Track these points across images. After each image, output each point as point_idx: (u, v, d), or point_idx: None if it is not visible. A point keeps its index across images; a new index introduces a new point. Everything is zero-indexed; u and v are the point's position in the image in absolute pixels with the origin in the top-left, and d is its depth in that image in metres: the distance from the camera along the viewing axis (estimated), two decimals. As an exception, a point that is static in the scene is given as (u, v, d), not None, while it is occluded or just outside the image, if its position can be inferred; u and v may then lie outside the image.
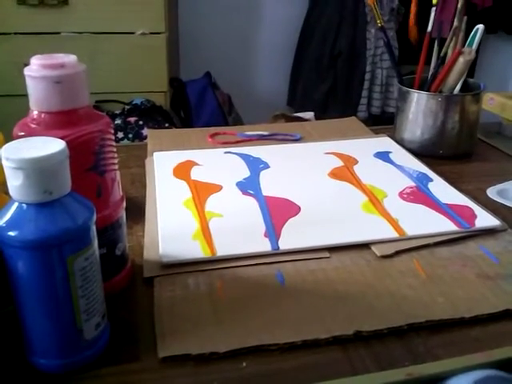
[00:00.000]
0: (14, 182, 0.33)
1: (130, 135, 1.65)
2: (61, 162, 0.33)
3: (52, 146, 0.33)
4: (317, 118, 1.80)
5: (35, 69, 0.38)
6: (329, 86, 2.11)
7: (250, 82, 2.37)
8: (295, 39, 2.22)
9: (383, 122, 2.05)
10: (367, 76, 2.10)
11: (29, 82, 0.38)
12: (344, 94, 2.12)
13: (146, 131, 1.65)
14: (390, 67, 2.11)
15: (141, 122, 1.66)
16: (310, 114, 1.78)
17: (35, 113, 0.39)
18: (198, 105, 1.87)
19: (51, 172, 0.33)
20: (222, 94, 1.97)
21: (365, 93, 2.12)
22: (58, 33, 1.67)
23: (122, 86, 1.74)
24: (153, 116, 1.70)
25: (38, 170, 0.32)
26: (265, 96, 2.35)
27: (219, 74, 2.03)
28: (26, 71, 0.38)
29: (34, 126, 0.39)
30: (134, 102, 1.71)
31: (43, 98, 0.38)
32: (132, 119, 1.66)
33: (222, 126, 1.29)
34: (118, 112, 1.69)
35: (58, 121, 0.39)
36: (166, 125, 1.69)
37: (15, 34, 1.65)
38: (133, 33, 1.72)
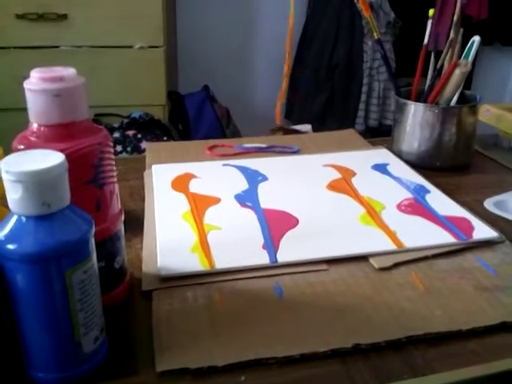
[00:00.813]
0: (13, 195, 0.33)
1: (129, 148, 1.65)
2: (60, 174, 0.33)
3: (51, 158, 0.34)
4: (314, 130, 1.81)
5: (35, 82, 0.38)
6: (326, 99, 2.12)
7: (247, 95, 2.38)
8: (292, 52, 2.23)
9: (381, 134, 2.06)
10: (364, 88, 2.11)
11: (28, 95, 0.39)
12: (341, 107, 2.13)
13: (144, 144, 1.65)
14: (387, 80, 2.12)
15: (139, 136, 1.67)
16: (307, 127, 1.79)
17: (34, 126, 0.39)
18: (196, 118, 1.88)
19: (50, 185, 0.33)
20: (221, 107, 1.97)
21: (362, 105, 2.13)
22: (57, 47, 1.68)
23: (121, 99, 1.75)
24: (151, 129, 1.71)
25: (37, 182, 0.32)
26: (263, 109, 2.36)
27: (217, 87, 2.04)
28: (26, 84, 0.39)
29: (33, 139, 0.39)
30: (132, 116, 1.71)
31: (42, 111, 0.38)
32: (130, 132, 1.67)
33: (222, 139, 1.30)
34: (116, 125, 1.69)
35: (58, 134, 0.39)
36: (165, 138, 1.69)
37: (14, 48, 1.66)
38: (131, 47, 1.73)
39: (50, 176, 0.33)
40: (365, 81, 2.10)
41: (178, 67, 2.24)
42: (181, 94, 1.93)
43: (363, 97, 2.12)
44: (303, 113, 2.17)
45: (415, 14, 2.16)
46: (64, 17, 1.65)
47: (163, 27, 1.73)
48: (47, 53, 1.67)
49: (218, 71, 2.26)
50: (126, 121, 1.70)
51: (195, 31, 2.23)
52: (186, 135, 1.87)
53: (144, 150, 1.68)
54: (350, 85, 2.12)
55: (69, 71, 0.39)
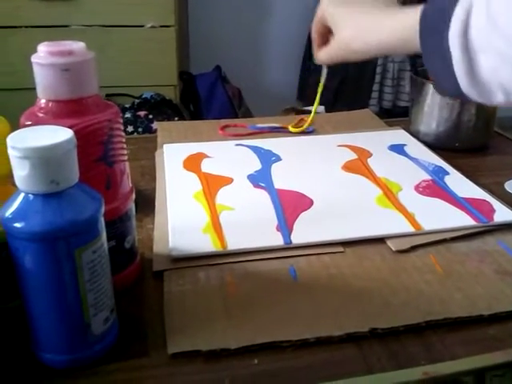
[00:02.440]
0: (20, 172, 0.32)
1: (140, 129, 1.64)
2: (68, 151, 0.32)
3: (59, 134, 0.32)
4: (327, 111, 1.78)
5: (42, 56, 0.37)
6: (339, 80, 2.09)
7: (260, 76, 2.35)
8: (306, 32, 2.20)
9: (395, 115, 2.02)
10: (378, 69, 2.08)
11: (36, 70, 0.37)
12: (355, 88, 2.10)
13: (155, 125, 1.64)
14: (402, 61, 2.08)
15: (151, 116, 1.65)
16: (320, 108, 1.76)
17: (42, 101, 0.38)
18: (207, 98, 1.86)
19: (58, 162, 0.32)
20: (232, 87, 1.95)
21: (376, 86, 2.10)
22: (68, 26, 1.66)
23: (132, 79, 1.73)
24: (162, 110, 1.69)
25: (44, 159, 0.31)
26: (275, 90, 2.33)
27: (229, 67, 2.02)
28: (34, 58, 0.37)
29: (41, 114, 0.38)
30: (143, 96, 1.70)
31: (51, 86, 0.37)
32: (142, 113, 1.65)
33: (233, 119, 1.29)
34: (127, 106, 1.68)
35: (66, 109, 0.38)
36: (176, 118, 1.68)
37: (26, 27, 1.64)
38: (142, 26, 1.71)
39: (58, 152, 0.32)
40: (379, 62, 2.07)
41: (190, 47, 2.22)
42: (192, 75, 1.91)
43: (377, 78, 2.09)
44: (316, 94, 2.14)
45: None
46: (75, -5, 1.63)
47: (174, 6, 1.70)
48: (58, 32, 1.65)
49: (229, 51, 2.23)
50: (137, 101, 1.69)
51: (207, 10, 2.20)
52: (197, 116, 1.86)
53: (155, 131, 1.67)
54: (364, 66, 2.08)
55: (78, 45, 0.38)
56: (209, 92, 1.86)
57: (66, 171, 0.32)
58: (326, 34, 0.58)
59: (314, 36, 0.60)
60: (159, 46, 1.73)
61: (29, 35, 1.64)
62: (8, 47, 1.64)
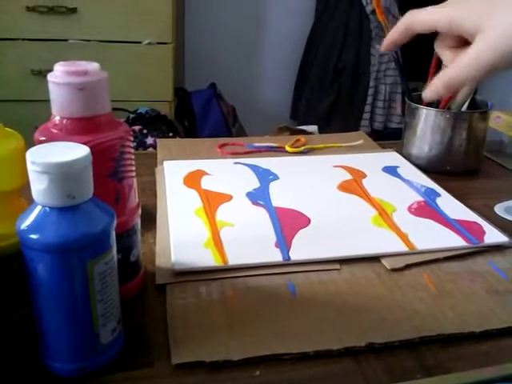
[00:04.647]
0: (39, 186, 0.33)
1: (134, 143, 1.66)
2: (85, 167, 0.34)
3: (76, 151, 0.34)
4: (320, 131, 1.81)
5: (59, 75, 0.39)
6: (332, 100, 2.12)
7: (254, 94, 2.39)
8: (300, 52, 2.24)
9: (385, 136, 2.07)
10: (370, 91, 2.12)
11: (52, 88, 0.39)
12: (347, 109, 2.14)
13: (150, 140, 1.66)
14: (394, 83, 2.13)
15: (145, 131, 1.67)
16: (313, 127, 1.79)
17: (57, 118, 0.40)
18: (202, 115, 1.88)
19: (75, 177, 0.33)
20: (227, 105, 1.98)
21: (368, 108, 2.14)
22: (66, 40, 1.68)
23: (128, 94, 1.75)
24: (157, 125, 1.71)
25: (62, 174, 0.33)
26: (268, 108, 2.36)
27: (224, 85, 2.05)
28: (50, 77, 0.39)
29: (55, 131, 0.39)
30: (138, 111, 1.72)
31: (66, 104, 0.39)
32: (136, 128, 1.67)
33: (227, 137, 1.30)
34: (122, 120, 1.69)
35: (80, 127, 0.39)
36: (170, 134, 1.70)
37: (23, 39, 1.66)
38: (140, 42, 1.73)
39: (76, 168, 0.33)
40: (371, 83, 2.11)
41: (186, 64, 2.25)
42: (188, 91, 1.94)
43: (369, 99, 2.13)
44: (309, 113, 2.17)
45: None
46: (73, 10, 1.66)
47: (172, 24, 1.73)
48: (56, 46, 1.67)
49: (224, 69, 2.26)
50: (132, 116, 1.70)
51: (203, 28, 2.24)
52: (191, 132, 1.88)
53: (150, 146, 1.68)
54: (357, 87, 2.12)
55: (92, 65, 0.40)
56: (203, 109, 1.89)
57: (82, 186, 0.34)
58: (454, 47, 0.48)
59: (442, 54, 0.49)
60: (156, 62, 1.75)
61: (27, 48, 1.66)
62: (5, 59, 1.65)
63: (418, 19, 0.48)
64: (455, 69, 0.46)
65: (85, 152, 0.34)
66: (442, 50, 0.49)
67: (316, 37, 2.17)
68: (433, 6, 0.47)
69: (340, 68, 2.10)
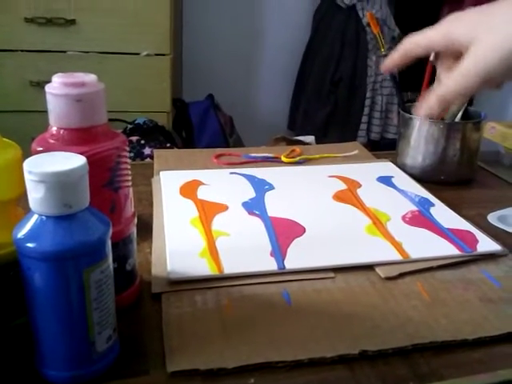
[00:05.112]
0: (36, 195, 0.33)
1: (132, 154, 1.66)
2: (81, 176, 0.34)
3: (73, 161, 0.34)
4: (317, 142, 1.81)
5: (57, 86, 0.39)
6: (329, 111, 2.14)
7: (251, 105, 2.40)
8: (297, 64, 2.26)
9: (382, 147, 2.07)
10: (367, 102, 2.13)
11: (50, 99, 0.40)
12: (344, 119, 2.15)
13: (147, 150, 1.66)
14: (390, 94, 2.14)
15: (142, 142, 1.68)
16: (310, 138, 1.80)
17: (54, 129, 0.40)
18: (199, 126, 1.89)
19: (72, 186, 0.34)
20: (224, 115, 1.99)
21: (365, 118, 2.15)
22: (65, 51, 1.69)
23: (126, 105, 1.76)
24: (155, 136, 1.72)
25: (59, 183, 0.33)
26: (266, 119, 2.38)
27: (221, 95, 2.06)
28: (48, 88, 0.40)
29: (52, 141, 0.40)
30: (136, 122, 1.72)
31: (63, 114, 0.39)
32: (134, 138, 1.68)
33: (225, 148, 1.31)
34: (120, 131, 1.70)
35: (77, 137, 0.40)
36: (168, 145, 1.70)
37: (22, 51, 1.67)
38: (138, 54, 1.74)
39: (73, 177, 0.34)
40: (368, 94, 2.12)
41: (183, 75, 2.26)
42: (185, 102, 1.95)
43: (366, 110, 2.14)
44: (306, 124, 2.18)
45: (419, 30, 2.19)
46: (72, 22, 1.67)
47: (170, 35, 1.74)
48: (54, 57, 1.68)
49: (222, 80, 2.27)
50: (129, 126, 1.71)
51: (201, 40, 2.25)
52: (189, 143, 1.88)
53: (147, 156, 1.68)
54: (353, 98, 2.13)
55: (90, 77, 0.40)
56: (201, 119, 1.90)
57: (78, 195, 0.34)
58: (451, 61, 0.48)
59: (444, 77, 0.49)
60: (154, 73, 1.76)
61: (25, 59, 1.67)
62: (4, 71, 1.66)
63: (415, 41, 0.49)
64: (447, 84, 0.46)
65: (81, 162, 0.34)
66: (443, 73, 0.49)
67: (313, 48, 2.19)
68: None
69: (337, 79, 2.11)
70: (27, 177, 0.34)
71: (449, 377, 0.40)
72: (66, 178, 0.33)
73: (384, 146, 2.14)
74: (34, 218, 0.34)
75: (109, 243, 0.37)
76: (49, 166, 0.33)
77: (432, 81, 0.78)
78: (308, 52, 2.22)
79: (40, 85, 1.62)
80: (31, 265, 0.34)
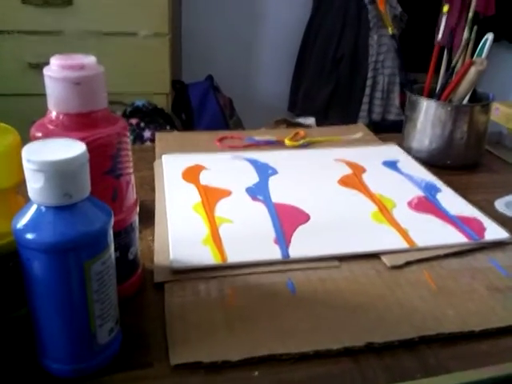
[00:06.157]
0: (35, 185, 0.32)
1: (132, 137, 1.64)
2: (82, 165, 0.33)
3: (73, 148, 0.33)
4: (317, 123, 1.80)
5: (55, 69, 0.38)
6: (330, 92, 2.11)
7: (251, 86, 2.37)
8: (298, 44, 2.22)
9: (384, 128, 2.05)
10: (369, 82, 2.10)
11: (48, 83, 0.38)
12: (345, 100, 2.13)
13: (147, 133, 1.65)
14: (392, 74, 2.11)
15: (142, 124, 1.66)
16: (311, 120, 1.79)
17: (53, 114, 0.39)
18: (199, 107, 1.87)
19: (72, 175, 0.32)
20: (224, 97, 1.96)
21: (366, 99, 2.12)
22: (62, 32, 1.66)
23: (124, 87, 1.73)
24: (154, 118, 1.70)
25: (59, 172, 0.32)
26: (266, 100, 2.35)
27: (221, 77, 2.03)
28: (46, 71, 0.38)
29: (51, 127, 0.39)
30: (135, 104, 1.70)
31: (62, 99, 0.38)
32: (133, 121, 1.66)
33: (225, 130, 1.30)
34: (119, 114, 1.68)
35: (77, 122, 0.38)
36: (168, 127, 1.69)
37: (19, 32, 1.64)
38: (136, 34, 1.71)
39: (73, 166, 0.32)
40: (369, 74, 2.09)
41: (182, 56, 2.23)
42: (185, 84, 1.92)
43: (367, 90, 2.11)
44: (306, 105, 2.16)
45: (421, 9, 2.16)
46: (69, 2, 1.64)
47: (169, 15, 1.71)
48: (52, 38, 1.65)
49: (222, 61, 2.24)
50: (129, 109, 1.69)
51: (200, 20, 2.22)
52: (188, 125, 1.86)
53: (147, 139, 1.67)
54: (355, 78, 2.11)
55: (89, 59, 0.39)
56: (201, 101, 1.87)
57: (79, 185, 0.33)
58: None
59: None
60: (152, 54, 1.74)
61: (22, 40, 1.64)
62: (1, 52, 1.64)
63: None
64: None
65: (81, 149, 0.33)
66: None
67: (314, 27, 2.16)
68: None
69: (338, 58, 2.08)
70: (26, 165, 0.32)
71: (456, 369, 0.39)
72: (65, 167, 0.32)
73: (385, 128, 2.12)
74: (34, 208, 0.33)
75: (110, 233, 0.36)
76: (48, 155, 0.32)
77: (439, 62, 0.77)
78: (309, 31, 2.18)
79: (39, 66, 1.59)
80: (31, 256, 0.33)
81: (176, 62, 2.00)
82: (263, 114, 1.86)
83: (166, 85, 1.79)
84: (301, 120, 1.73)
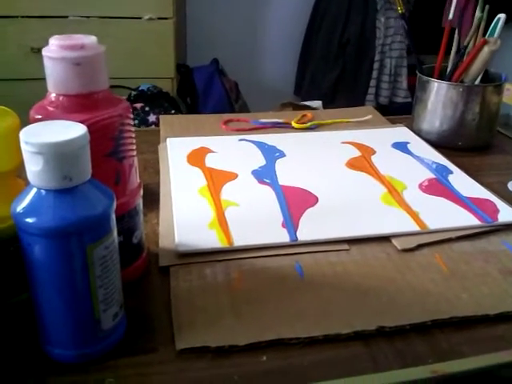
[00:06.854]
0: (33, 167, 0.31)
1: (136, 121, 1.63)
2: (82, 147, 0.32)
3: (73, 130, 0.32)
4: (324, 107, 1.77)
5: (54, 49, 0.37)
6: (337, 75, 2.08)
7: (257, 70, 2.35)
8: (304, 27, 2.19)
9: (391, 111, 2.03)
10: (376, 65, 2.08)
11: (47, 63, 0.37)
12: (352, 83, 2.10)
13: (152, 118, 1.64)
14: (399, 57, 2.08)
15: (147, 109, 1.65)
16: (317, 103, 1.76)
17: (53, 95, 0.38)
18: (204, 91, 1.85)
19: (72, 157, 0.31)
20: (229, 80, 1.95)
21: (373, 82, 2.10)
22: (66, 16, 1.65)
23: (129, 71, 1.72)
24: (159, 102, 1.69)
25: (58, 155, 0.31)
26: (271, 84, 2.33)
27: (226, 60, 2.01)
28: (45, 52, 0.37)
29: (51, 109, 0.38)
30: (140, 88, 1.69)
31: (62, 80, 0.37)
32: (138, 105, 1.65)
33: (231, 113, 1.28)
34: (124, 98, 1.67)
35: (77, 104, 0.37)
36: (173, 111, 1.67)
37: (22, 17, 1.63)
38: (140, 18, 1.70)
39: (72, 148, 0.31)
40: (376, 57, 2.07)
41: (187, 40, 2.21)
42: (190, 67, 1.90)
43: (374, 73, 2.09)
44: (313, 89, 2.13)
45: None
46: (72, -15, 1.62)
47: (173, -2, 1.69)
48: (55, 22, 1.64)
49: (227, 44, 2.22)
50: (133, 93, 1.68)
51: (205, 3, 2.19)
52: (194, 109, 1.85)
53: (152, 124, 1.66)
54: (362, 61, 2.08)
55: (89, 39, 0.38)
56: (206, 85, 1.86)
57: (79, 167, 0.32)
58: None
59: None
60: (157, 38, 1.72)
61: (26, 25, 1.63)
62: (4, 37, 1.62)
63: None
64: None
65: (82, 131, 0.32)
66: None
67: (320, 10, 2.12)
68: None
69: (345, 41, 2.05)
70: (24, 148, 0.31)
71: (470, 354, 0.38)
72: (65, 149, 0.31)
73: (393, 111, 2.09)
74: (33, 191, 0.32)
75: (113, 217, 0.35)
76: (47, 136, 0.31)
77: (450, 43, 0.75)
78: (315, 14, 2.15)
79: (41, 51, 1.58)
80: (31, 241, 0.32)
81: (181, 46, 1.98)
82: (269, 97, 1.84)
83: (170, 69, 1.77)
84: (307, 103, 1.71)
